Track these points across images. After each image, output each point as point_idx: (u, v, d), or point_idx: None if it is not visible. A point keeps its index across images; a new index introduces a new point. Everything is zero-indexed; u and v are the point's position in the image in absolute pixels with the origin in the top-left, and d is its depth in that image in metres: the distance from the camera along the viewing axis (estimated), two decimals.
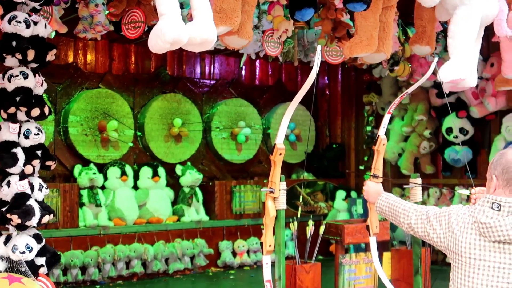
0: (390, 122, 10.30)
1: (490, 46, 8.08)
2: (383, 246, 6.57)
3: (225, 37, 5.22)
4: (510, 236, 2.82)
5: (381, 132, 4.48)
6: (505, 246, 2.84)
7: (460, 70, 5.12)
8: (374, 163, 4.32)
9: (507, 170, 2.92)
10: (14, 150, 4.57)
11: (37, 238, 4.57)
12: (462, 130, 9.12)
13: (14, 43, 4.58)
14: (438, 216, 3.09)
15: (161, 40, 3.41)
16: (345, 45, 5.77)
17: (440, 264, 9.10)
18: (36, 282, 4.42)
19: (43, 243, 4.65)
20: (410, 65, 8.34)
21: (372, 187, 3.84)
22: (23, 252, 4.42)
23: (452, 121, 9.17)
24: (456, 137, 9.16)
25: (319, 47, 3.88)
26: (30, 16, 4.66)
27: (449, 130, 9.22)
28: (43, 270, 4.67)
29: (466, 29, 5.07)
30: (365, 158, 10.68)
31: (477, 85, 8.67)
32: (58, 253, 4.98)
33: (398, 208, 3.38)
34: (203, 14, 3.55)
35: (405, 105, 9.94)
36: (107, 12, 5.89)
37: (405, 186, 5.18)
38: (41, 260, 4.67)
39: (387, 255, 6.39)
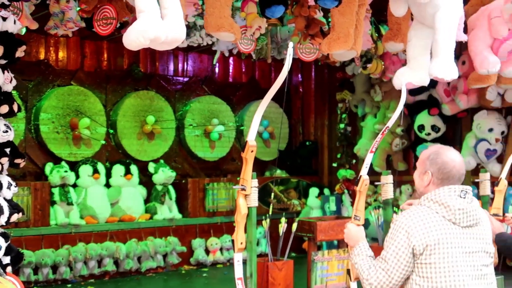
0: (363, 119, 10.35)
1: (461, 44, 8.11)
2: None
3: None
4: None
5: (363, 172, 4.17)
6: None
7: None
8: (356, 205, 3.93)
9: (442, 171, 3.09)
10: None
11: (4, 236, 4.52)
12: (434, 128, 9.18)
13: None
14: (397, 247, 3.08)
15: (142, 37, 3.36)
16: (323, 42, 5.73)
17: None
18: (8, 280, 4.37)
19: (8, 242, 4.60)
20: (382, 62, 8.37)
21: (353, 230, 3.58)
22: None
23: (424, 119, 9.22)
24: (428, 134, 9.22)
25: (291, 44, 3.86)
26: None
27: (421, 127, 9.27)
28: (9, 269, 4.62)
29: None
30: (338, 156, 10.71)
31: (448, 83, 8.75)
32: (22, 251, 4.93)
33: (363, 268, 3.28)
34: (174, 13, 3.52)
35: (377, 103, 9.97)
36: (78, 8, 5.82)
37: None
38: (6, 259, 4.62)
39: None
